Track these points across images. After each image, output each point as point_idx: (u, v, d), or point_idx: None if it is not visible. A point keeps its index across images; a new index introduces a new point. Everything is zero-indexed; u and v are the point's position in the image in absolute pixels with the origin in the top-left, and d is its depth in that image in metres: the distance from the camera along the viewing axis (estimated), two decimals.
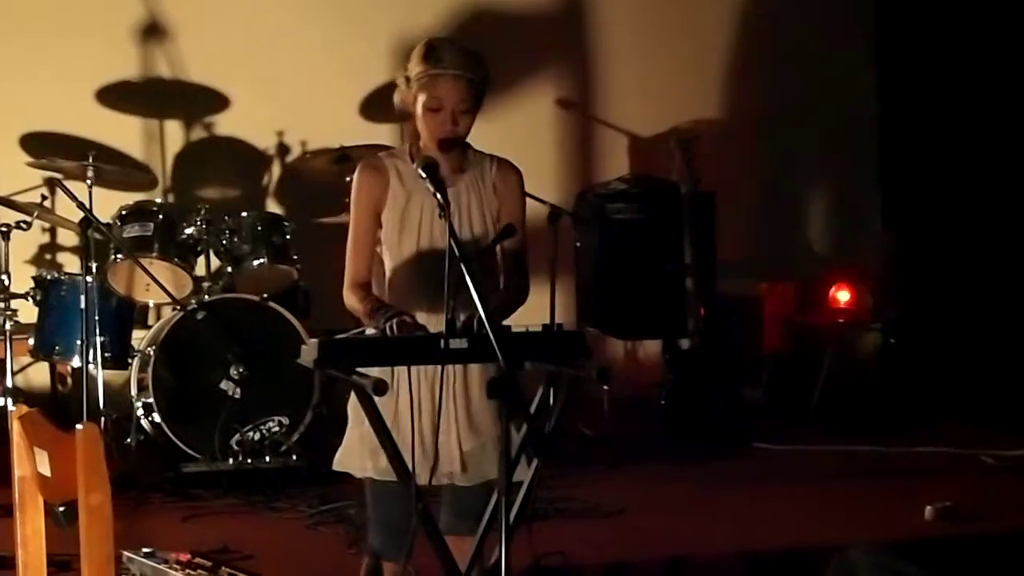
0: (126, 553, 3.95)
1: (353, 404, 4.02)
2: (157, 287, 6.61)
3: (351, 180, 4.14)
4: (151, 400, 6.59)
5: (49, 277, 6.89)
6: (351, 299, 4.03)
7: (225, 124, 8.31)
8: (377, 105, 8.40)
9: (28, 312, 6.94)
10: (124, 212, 6.90)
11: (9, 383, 6.86)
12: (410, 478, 3.71)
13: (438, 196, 3.81)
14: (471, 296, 3.60)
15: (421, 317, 3.86)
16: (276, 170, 8.35)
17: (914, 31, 8.82)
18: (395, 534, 3.90)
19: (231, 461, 6.43)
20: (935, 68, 8.62)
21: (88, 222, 6.45)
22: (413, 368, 3.78)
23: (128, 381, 6.87)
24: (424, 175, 3.85)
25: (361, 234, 4.11)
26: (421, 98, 4.02)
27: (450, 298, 3.66)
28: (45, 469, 3.49)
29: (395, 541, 3.92)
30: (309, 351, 3.61)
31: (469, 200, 4.07)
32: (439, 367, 3.82)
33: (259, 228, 6.98)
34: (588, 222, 7.93)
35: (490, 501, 3.85)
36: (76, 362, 6.74)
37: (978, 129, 8.40)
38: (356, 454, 4.06)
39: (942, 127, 8.59)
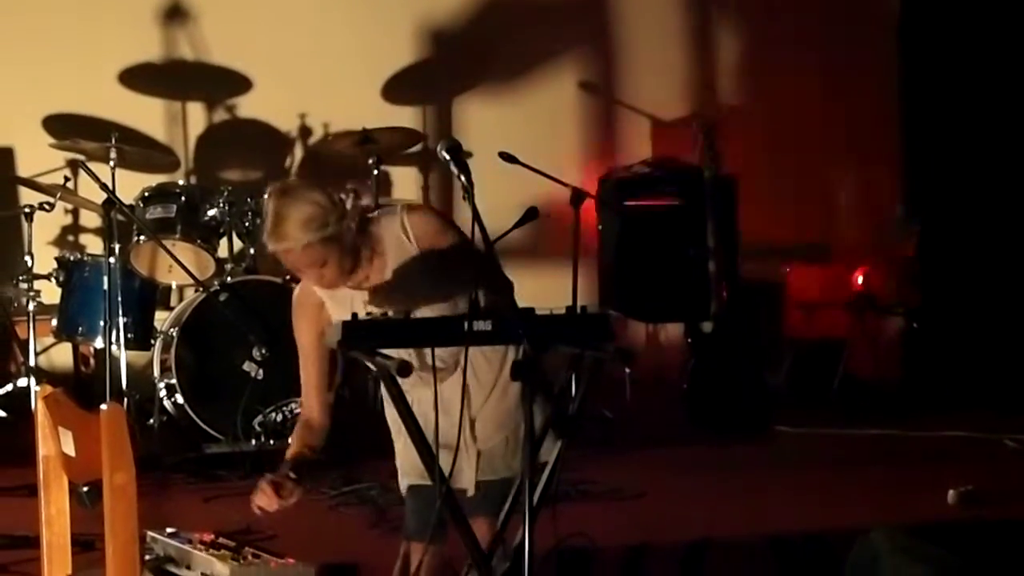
0: (150, 533, 3.95)
1: (391, 418, 4.13)
2: (180, 268, 6.62)
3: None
4: (174, 381, 6.61)
5: (72, 258, 6.91)
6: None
7: (247, 106, 8.32)
8: (399, 88, 8.40)
9: (51, 293, 6.96)
10: (147, 194, 6.92)
11: (32, 364, 6.88)
12: (434, 461, 3.73)
13: (461, 178, 3.80)
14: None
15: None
16: (298, 152, 8.35)
17: (939, 13, 8.77)
18: (429, 516, 3.95)
19: (253, 442, 6.44)
20: (960, 51, 8.58)
21: (111, 204, 6.47)
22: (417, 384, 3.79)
23: (151, 362, 6.89)
24: (448, 157, 3.83)
25: (310, 365, 4.19)
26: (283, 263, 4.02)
27: (476, 285, 3.68)
28: (70, 449, 3.50)
29: (427, 522, 3.97)
30: (332, 332, 3.61)
31: (412, 266, 4.05)
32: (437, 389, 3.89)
33: None
34: (610, 205, 7.92)
35: (507, 494, 3.92)
36: (99, 343, 6.77)
37: (1003, 113, 8.37)
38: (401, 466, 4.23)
39: (966, 111, 8.56)
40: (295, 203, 3.88)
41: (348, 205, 3.94)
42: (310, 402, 4.20)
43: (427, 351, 3.95)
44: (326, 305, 4.08)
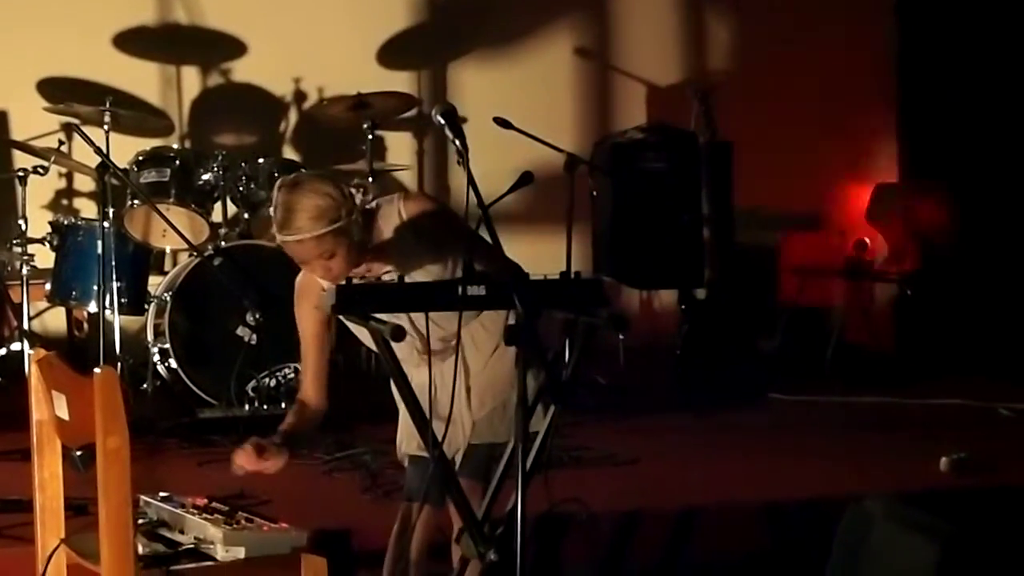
0: (143, 497, 3.95)
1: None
2: (174, 233, 6.61)
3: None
4: (167, 346, 6.60)
5: (66, 222, 6.90)
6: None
7: (242, 70, 8.29)
8: (394, 52, 8.39)
9: (45, 257, 6.95)
10: (141, 158, 6.90)
11: (26, 328, 6.87)
12: (427, 426, 3.75)
13: (456, 143, 3.79)
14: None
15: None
16: (293, 117, 8.33)
17: None
18: (427, 478, 4.00)
19: (247, 407, 6.44)
20: (957, 16, 8.57)
21: (105, 167, 6.46)
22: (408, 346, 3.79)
23: (144, 327, 6.88)
24: (443, 122, 3.83)
25: (310, 351, 4.20)
26: (288, 253, 4.00)
27: (467, 250, 3.68)
28: (63, 413, 3.50)
29: (425, 485, 4.04)
30: (326, 297, 3.61)
31: (411, 253, 4.04)
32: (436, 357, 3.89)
33: (276, 174, 6.95)
34: (605, 171, 7.91)
35: (495, 457, 3.96)
36: (93, 307, 6.76)
37: (1000, 79, 8.36)
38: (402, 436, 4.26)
39: (963, 77, 8.55)
40: (306, 195, 3.89)
41: (357, 200, 3.96)
42: (307, 387, 4.22)
43: (426, 330, 3.96)
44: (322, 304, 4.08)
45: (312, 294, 4.12)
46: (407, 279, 3.95)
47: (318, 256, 3.92)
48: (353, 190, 3.98)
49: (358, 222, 3.94)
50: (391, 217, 4.08)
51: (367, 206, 4.04)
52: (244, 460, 3.95)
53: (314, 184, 3.92)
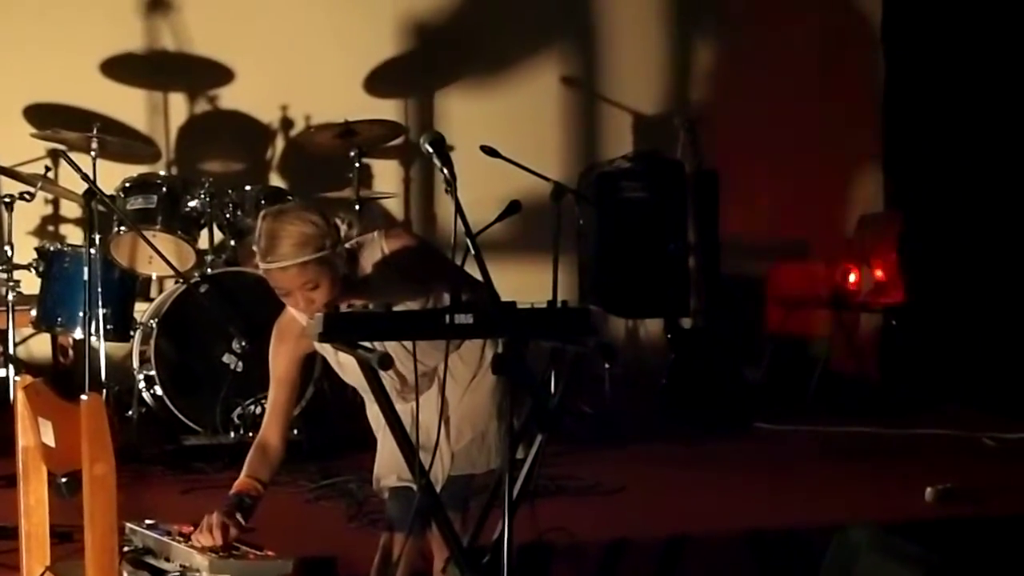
0: (128, 524, 3.95)
1: (373, 416, 4.17)
2: (160, 260, 6.60)
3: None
4: (153, 373, 6.59)
5: (52, 248, 6.88)
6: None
7: (229, 97, 8.30)
8: (381, 80, 8.40)
9: (31, 283, 6.93)
10: (128, 184, 6.89)
11: (11, 353, 6.86)
12: (414, 454, 3.74)
13: (444, 171, 3.79)
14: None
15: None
16: (280, 144, 8.33)
17: (924, 9, 8.80)
18: (410, 508, 3.98)
19: (232, 435, 6.42)
20: (943, 47, 8.60)
21: (92, 194, 6.45)
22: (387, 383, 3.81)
23: (130, 354, 6.87)
24: (431, 150, 3.83)
25: (279, 391, 4.19)
26: (271, 283, 3.99)
27: (453, 283, 3.69)
28: (49, 439, 3.49)
29: (408, 515, 4.02)
30: (313, 325, 3.61)
31: (394, 290, 4.04)
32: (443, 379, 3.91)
33: (263, 201, 6.96)
34: (591, 200, 7.92)
35: (472, 488, 4.03)
36: (78, 334, 6.74)
37: (985, 110, 8.39)
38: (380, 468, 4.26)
39: (948, 107, 8.58)
40: (291, 223, 3.88)
41: (342, 232, 3.95)
42: (271, 427, 4.21)
43: (407, 371, 3.96)
44: (308, 334, 4.07)
45: (291, 337, 4.12)
46: (384, 294, 3.95)
47: (301, 286, 3.90)
48: (338, 221, 3.98)
49: (342, 255, 3.94)
50: (373, 255, 4.08)
51: (348, 244, 4.03)
52: (208, 541, 3.90)
53: (299, 213, 3.92)
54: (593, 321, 3.72)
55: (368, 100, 8.31)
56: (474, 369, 4.14)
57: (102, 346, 6.59)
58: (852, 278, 8.41)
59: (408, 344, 3.91)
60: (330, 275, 3.91)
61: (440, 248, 3.91)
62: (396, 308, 3.95)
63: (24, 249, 7.04)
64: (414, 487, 4.04)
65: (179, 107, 8.26)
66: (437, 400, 4.05)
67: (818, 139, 8.96)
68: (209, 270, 6.79)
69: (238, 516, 3.98)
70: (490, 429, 4.13)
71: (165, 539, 3.79)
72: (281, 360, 4.17)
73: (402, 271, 4.04)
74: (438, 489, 4.07)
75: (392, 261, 4.05)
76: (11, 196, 6.93)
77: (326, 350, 4.09)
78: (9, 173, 7.00)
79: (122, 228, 6.74)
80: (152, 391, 6.64)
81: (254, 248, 3.97)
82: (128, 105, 8.10)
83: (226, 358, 6.56)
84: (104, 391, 6.51)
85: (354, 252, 4.05)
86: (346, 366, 4.08)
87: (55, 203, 7.95)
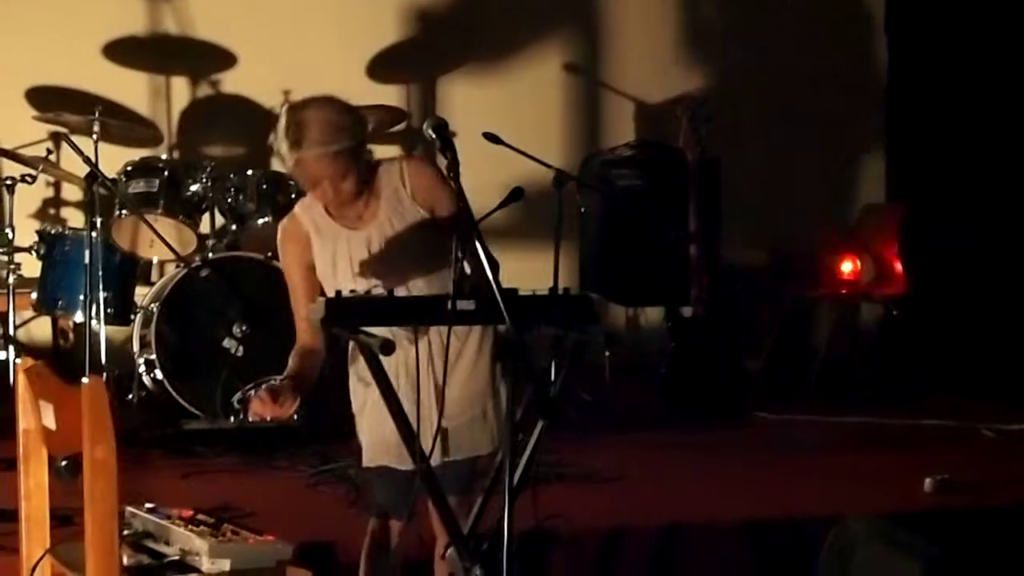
0: (128, 508, 3.94)
1: (355, 393, 4.14)
2: (161, 244, 6.61)
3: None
4: (153, 357, 6.59)
5: (53, 232, 6.89)
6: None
7: (231, 82, 8.29)
8: (384, 66, 8.39)
9: (32, 266, 6.93)
10: (129, 168, 6.90)
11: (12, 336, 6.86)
12: (413, 439, 3.73)
13: (447, 157, 3.79)
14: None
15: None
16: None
17: (925, 3, 8.80)
18: (401, 493, 3.96)
19: (232, 419, 6.42)
20: (946, 35, 8.59)
21: (93, 177, 6.45)
22: (391, 359, 3.78)
23: (130, 337, 6.87)
24: (434, 136, 3.82)
25: (299, 297, 4.15)
26: (298, 175, 3.98)
27: (457, 261, 3.68)
28: (50, 422, 3.49)
29: (401, 500, 3.99)
30: (315, 309, 3.61)
31: (394, 226, 4.03)
32: (416, 358, 3.87)
33: (264, 186, 6.97)
34: (593, 187, 7.92)
35: (477, 471, 3.98)
36: (79, 317, 6.74)
37: (989, 99, 8.37)
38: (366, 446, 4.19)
39: (951, 97, 8.57)
40: (321, 110, 3.90)
41: (369, 125, 3.96)
42: (302, 329, 4.15)
43: (414, 339, 3.95)
44: (312, 240, 4.07)
45: (297, 238, 4.10)
46: (392, 264, 3.93)
47: (332, 175, 3.90)
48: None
49: (369, 150, 3.94)
50: (391, 175, 4.07)
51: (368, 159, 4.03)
52: (262, 409, 3.89)
53: (326, 101, 3.93)
54: (595, 309, 3.72)
55: (370, 85, 8.30)
56: (463, 336, 4.08)
57: (102, 330, 6.59)
58: (853, 267, 8.40)
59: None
60: (357, 167, 3.92)
61: (455, 189, 3.86)
62: (399, 261, 3.94)
63: (25, 232, 7.04)
64: (399, 468, 4.02)
65: (181, 91, 8.25)
66: (428, 368, 4.00)
67: (821, 128, 8.96)
68: (210, 254, 6.79)
69: (289, 382, 3.95)
70: (488, 408, 4.10)
71: (165, 523, 3.79)
72: (292, 266, 4.14)
73: (415, 200, 4.03)
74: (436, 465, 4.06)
75: (407, 186, 4.05)
76: (13, 179, 6.94)
77: (321, 253, 4.05)
78: (11, 155, 7.00)
79: (123, 212, 6.74)
80: (152, 375, 6.64)
81: (280, 140, 3.93)
82: (130, 89, 8.09)
83: (226, 342, 6.57)
84: (104, 375, 6.51)
85: (375, 166, 4.04)
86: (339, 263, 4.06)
87: (56, 186, 7.94)
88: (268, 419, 3.93)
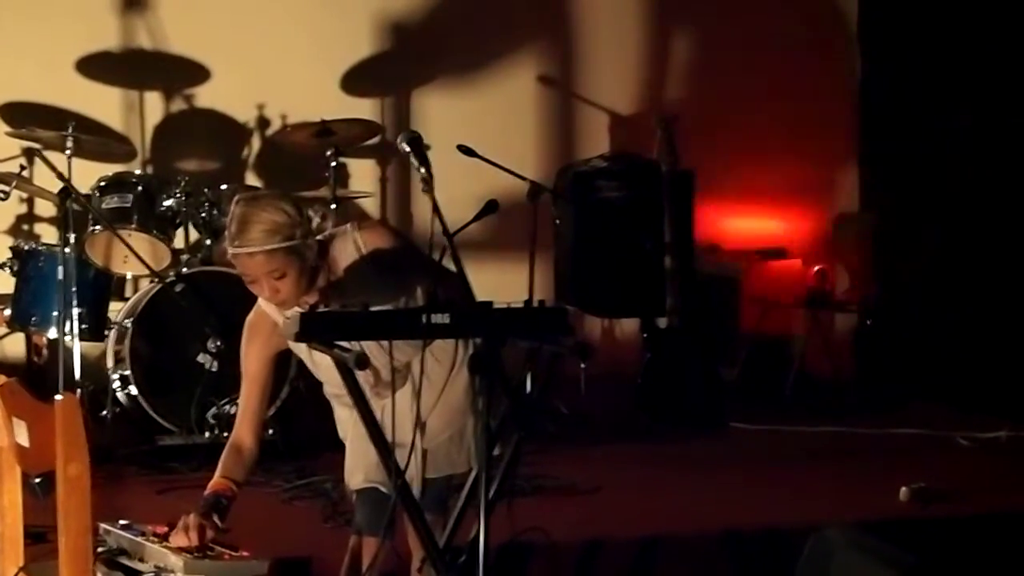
0: (103, 525, 3.93)
1: (340, 420, 4.17)
2: (135, 259, 6.58)
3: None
4: (128, 372, 6.57)
5: (27, 247, 6.86)
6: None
7: (205, 96, 8.28)
8: (358, 79, 8.39)
9: (5, 282, 6.91)
10: (103, 183, 6.87)
11: None
12: (389, 454, 3.73)
13: (422, 170, 3.79)
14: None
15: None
16: (256, 143, 8.31)
17: (899, 8, 8.83)
18: (379, 511, 3.97)
19: (207, 434, 6.41)
20: (919, 46, 8.63)
21: (67, 193, 6.43)
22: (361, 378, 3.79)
23: (104, 353, 6.84)
24: (408, 149, 3.82)
25: (251, 390, 4.15)
26: (237, 268, 3.98)
27: (435, 283, 3.69)
28: (23, 439, 3.48)
29: (378, 517, 3.99)
30: (289, 324, 3.60)
31: (370, 288, 4.02)
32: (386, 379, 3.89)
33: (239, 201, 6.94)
34: (568, 199, 7.93)
35: (453, 488, 4.01)
36: (52, 333, 6.71)
37: (961, 109, 8.41)
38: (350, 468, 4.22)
39: (924, 106, 8.60)
40: (264, 209, 3.87)
41: (314, 224, 3.94)
42: (244, 427, 4.17)
43: (381, 367, 3.95)
44: (279, 329, 4.05)
45: (262, 334, 4.10)
46: (358, 291, 3.93)
47: (267, 274, 3.88)
48: (312, 213, 3.96)
49: (312, 247, 3.92)
50: (346, 248, 4.05)
51: (320, 236, 4.01)
52: (184, 543, 3.87)
53: (272, 200, 3.91)
54: (569, 321, 3.73)
55: (344, 99, 8.30)
56: (448, 367, 4.13)
57: (76, 346, 6.57)
58: (827, 277, 8.43)
59: (384, 341, 3.90)
60: (298, 265, 3.90)
61: (414, 241, 3.87)
62: (371, 305, 3.95)
63: None
64: (382, 488, 4.04)
65: (155, 106, 8.23)
66: (411, 398, 4.04)
67: (794, 139, 8.98)
68: (184, 269, 6.77)
69: (214, 517, 3.96)
70: (467, 427, 4.12)
71: (139, 539, 3.78)
72: (252, 358, 4.15)
73: (376, 265, 4.03)
74: (414, 489, 4.06)
75: (369, 258, 4.03)
76: None
77: (300, 348, 4.07)
78: None
79: (97, 227, 6.71)
80: (127, 391, 6.62)
81: (225, 233, 3.95)
82: (104, 104, 8.07)
83: (201, 358, 6.55)
84: (78, 391, 6.48)
85: (325, 244, 4.02)
86: (320, 364, 4.07)
87: (30, 202, 7.91)
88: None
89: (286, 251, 3.86)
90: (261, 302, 4.12)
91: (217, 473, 4.12)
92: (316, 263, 3.95)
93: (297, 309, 3.89)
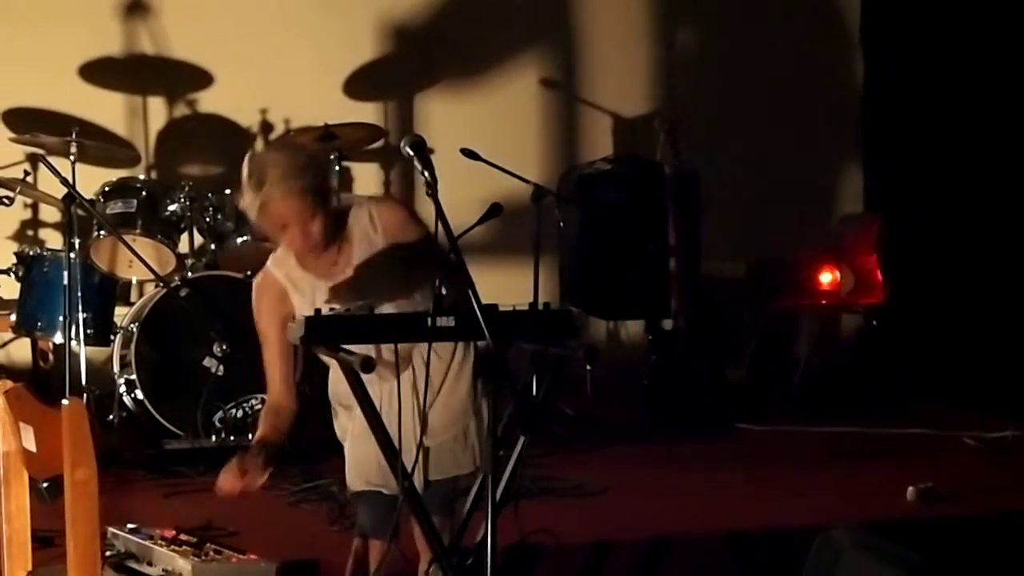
0: (111, 529, 3.94)
1: (340, 427, 4.16)
2: (140, 264, 6.59)
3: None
4: (133, 377, 6.58)
5: (32, 253, 6.87)
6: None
7: (208, 101, 8.28)
8: (360, 83, 8.39)
9: (10, 288, 6.92)
10: (107, 188, 6.88)
11: None
12: (396, 458, 3.73)
13: (425, 174, 3.79)
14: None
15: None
16: (260, 147, 8.31)
17: (902, 10, 8.82)
18: (383, 514, 3.96)
19: (213, 438, 6.42)
20: (921, 46, 8.62)
21: (71, 198, 6.43)
22: (373, 390, 3.78)
23: (110, 358, 6.86)
24: (412, 153, 3.82)
25: (274, 355, 4.15)
26: (265, 223, 3.96)
27: (439, 279, 3.69)
28: (30, 444, 3.48)
29: (383, 520, 3.97)
30: (295, 328, 3.61)
31: (378, 259, 4.03)
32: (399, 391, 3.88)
33: None
34: (572, 202, 7.92)
35: (460, 489, 4.01)
36: (58, 338, 6.73)
37: (964, 109, 8.40)
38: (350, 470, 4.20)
39: (928, 106, 8.60)
40: (280, 153, 3.89)
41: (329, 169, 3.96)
42: (275, 388, 4.16)
43: (383, 349, 3.94)
44: (289, 294, 4.06)
45: (273, 292, 4.09)
46: (368, 289, 3.92)
47: (298, 216, 3.87)
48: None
49: (334, 190, 3.93)
50: (360, 219, 4.05)
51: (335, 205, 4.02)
52: (230, 486, 3.89)
53: (285, 146, 3.95)
54: (576, 323, 3.72)
55: (348, 103, 8.30)
56: (448, 361, 4.10)
57: (82, 351, 6.57)
58: (832, 278, 8.42)
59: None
60: (324, 207, 3.90)
61: (426, 225, 3.85)
62: (375, 284, 3.94)
63: (3, 254, 7.04)
64: (383, 491, 4.03)
65: (158, 111, 8.24)
66: (411, 391, 4.02)
67: (798, 140, 8.97)
68: (189, 274, 6.78)
69: (258, 458, 3.94)
70: (470, 428, 4.11)
71: (147, 543, 3.78)
72: (266, 321, 4.13)
73: (387, 240, 4.02)
74: (419, 488, 4.06)
75: (378, 228, 4.03)
76: None
77: (301, 306, 4.04)
78: None
79: (102, 232, 6.72)
80: (133, 395, 6.63)
81: (245, 190, 3.92)
82: (107, 109, 8.08)
83: (207, 362, 6.56)
84: (85, 396, 6.49)
85: (342, 213, 4.03)
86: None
87: (34, 207, 7.92)
88: (237, 493, 3.89)
89: (315, 190, 3.86)
90: (270, 264, 4.11)
91: (260, 430, 4.08)
92: (335, 213, 3.92)
93: (308, 277, 3.88)
